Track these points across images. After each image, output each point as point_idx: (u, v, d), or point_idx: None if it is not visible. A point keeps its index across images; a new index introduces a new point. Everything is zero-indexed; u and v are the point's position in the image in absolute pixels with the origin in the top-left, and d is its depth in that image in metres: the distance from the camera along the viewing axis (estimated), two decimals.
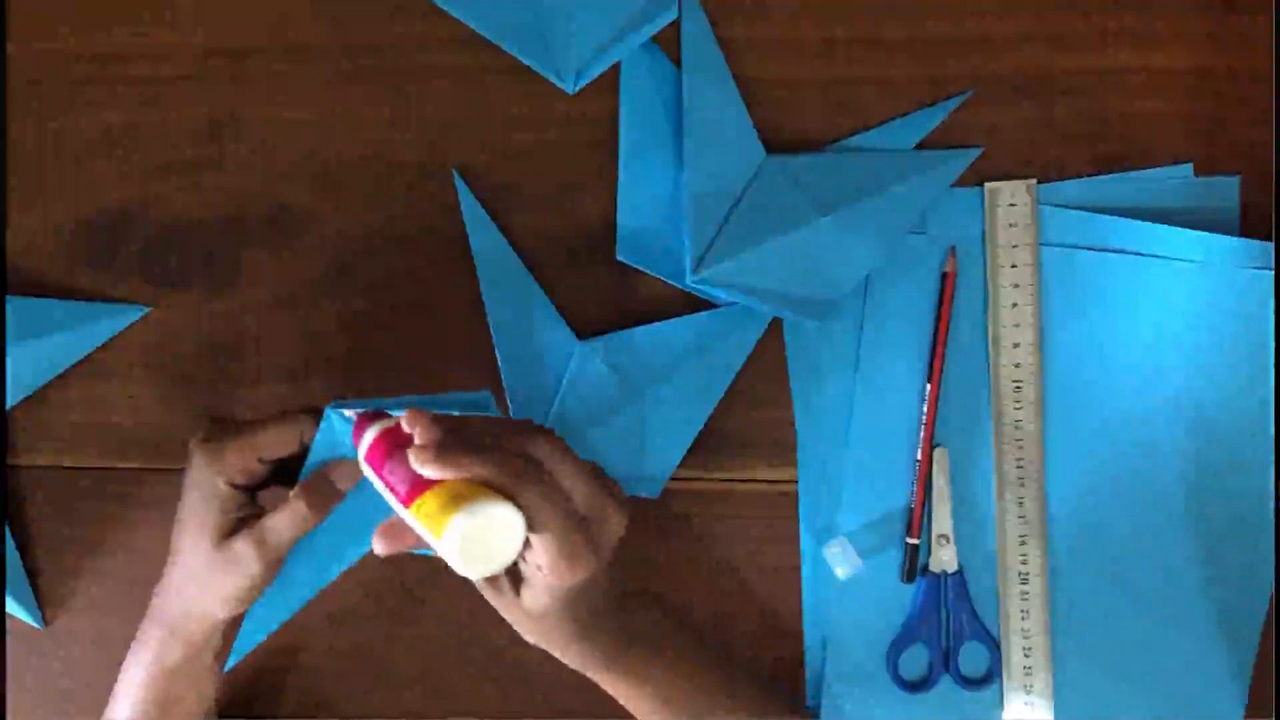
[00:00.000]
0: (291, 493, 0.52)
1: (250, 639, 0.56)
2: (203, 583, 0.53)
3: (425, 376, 0.63)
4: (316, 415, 0.53)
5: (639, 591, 0.59)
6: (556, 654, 0.54)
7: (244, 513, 0.53)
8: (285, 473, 0.54)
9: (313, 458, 0.53)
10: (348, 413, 0.52)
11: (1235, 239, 0.61)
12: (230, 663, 0.57)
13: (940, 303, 0.62)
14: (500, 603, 0.53)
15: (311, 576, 0.56)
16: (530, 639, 0.54)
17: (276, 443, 0.53)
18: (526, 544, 0.46)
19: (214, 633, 0.55)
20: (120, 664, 0.57)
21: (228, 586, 0.53)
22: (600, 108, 0.63)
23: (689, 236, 0.60)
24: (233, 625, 0.56)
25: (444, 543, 0.43)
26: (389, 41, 0.63)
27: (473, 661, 0.64)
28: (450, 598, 0.64)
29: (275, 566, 0.53)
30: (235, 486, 0.53)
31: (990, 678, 0.62)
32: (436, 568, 0.64)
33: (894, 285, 0.62)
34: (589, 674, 0.56)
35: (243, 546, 0.52)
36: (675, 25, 0.62)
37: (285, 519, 0.52)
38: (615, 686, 0.57)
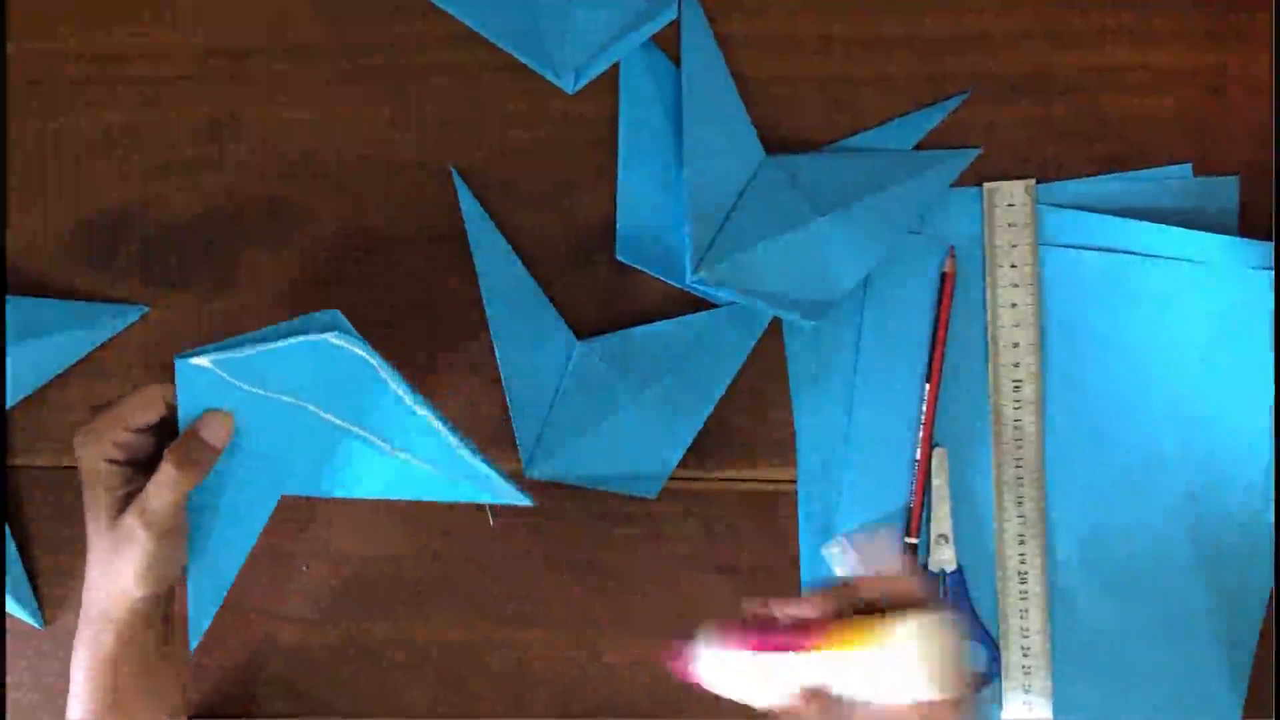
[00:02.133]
0: (166, 455, 0.53)
1: (202, 612, 0.56)
2: (109, 565, 0.54)
3: (425, 375, 0.63)
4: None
5: None
6: None
7: (133, 487, 0.53)
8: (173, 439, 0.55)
9: (183, 414, 0.53)
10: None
11: (1234, 239, 0.61)
12: (193, 642, 0.57)
13: (939, 303, 0.62)
14: None
15: (239, 536, 0.56)
16: None
17: (139, 409, 0.54)
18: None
19: (139, 615, 0.55)
20: None
21: (130, 564, 0.53)
22: (600, 107, 0.63)
23: (688, 236, 0.60)
24: (167, 605, 0.57)
25: (896, 640, 0.44)
26: (389, 41, 0.63)
27: (471, 660, 0.64)
28: (448, 597, 0.64)
29: (171, 535, 0.53)
30: (119, 464, 0.53)
31: (989, 677, 0.62)
32: (434, 567, 0.64)
33: (893, 285, 0.62)
34: None
35: (130, 521, 0.52)
36: (675, 25, 0.62)
37: (159, 485, 0.52)
38: None
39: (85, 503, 0.54)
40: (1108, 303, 0.61)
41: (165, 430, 0.55)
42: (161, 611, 0.57)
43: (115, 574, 0.54)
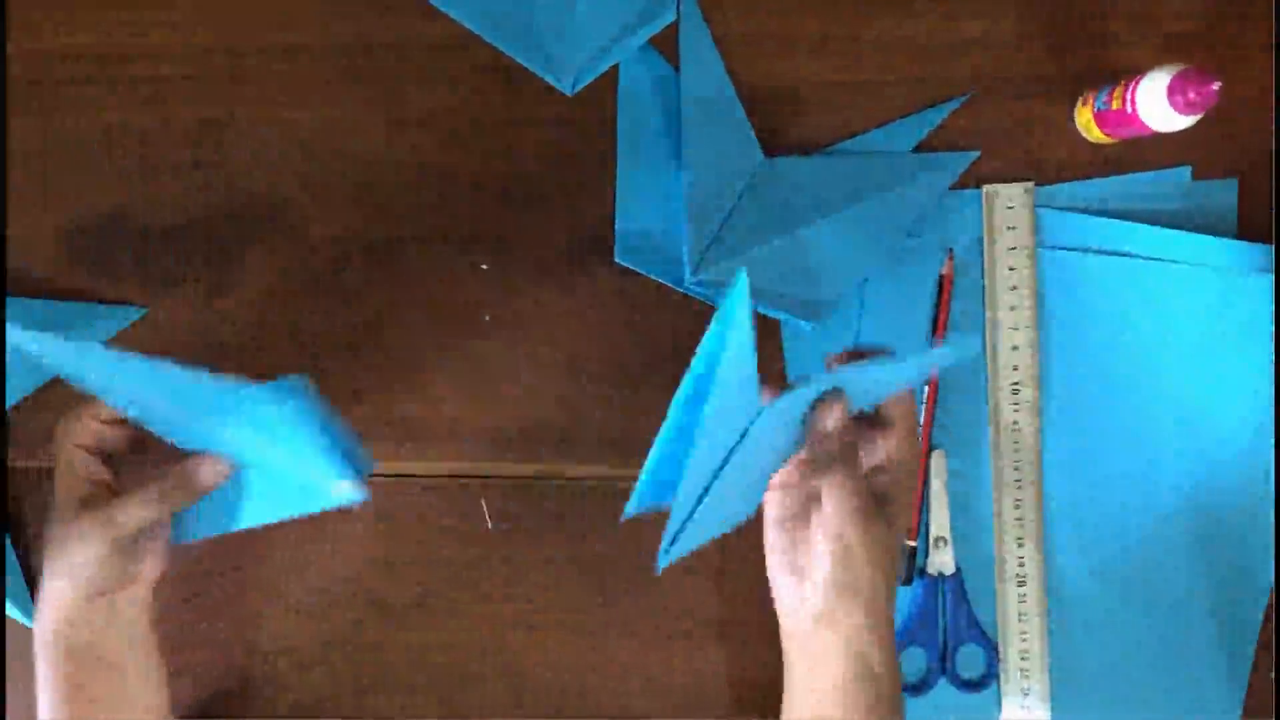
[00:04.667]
0: (153, 479, 0.53)
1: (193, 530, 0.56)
2: (57, 557, 0.53)
3: (423, 375, 0.63)
4: None
5: None
6: None
7: (98, 476, 0.54)
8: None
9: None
10: None
11: (1233, 242, 0.61)
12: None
13: (938, 305, 0.62)
14: None
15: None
16: None
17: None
18: None
19: (79, 614, 0.54)
20: None
21: (75, 562, 0.52)
22: (598, 109, 0.63)
23: (687, 238, 0.60)
24: (128, 611, 0.56)
25: None
26: (389, 42, 0.63)
27: (469, 661, 0.64)
28: (445, 597, 0.64)
29: (124, 551, 0.53)
30: (88, 451, 0.54)
31: (987, 680, 0.62)
32: (431, 567, 0.64)
33: (892, 287, 0.62)
34: None
35: (89, 522, 0.52)
36: (673, 27, 0.62)
37: (133, 503, 0.52)
38: None
39: (55, 488, 0.54)
40: (1107, 305, 0.61)
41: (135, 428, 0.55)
42: (121, 616, 0.55)
43: (59, 566, 0.53)
